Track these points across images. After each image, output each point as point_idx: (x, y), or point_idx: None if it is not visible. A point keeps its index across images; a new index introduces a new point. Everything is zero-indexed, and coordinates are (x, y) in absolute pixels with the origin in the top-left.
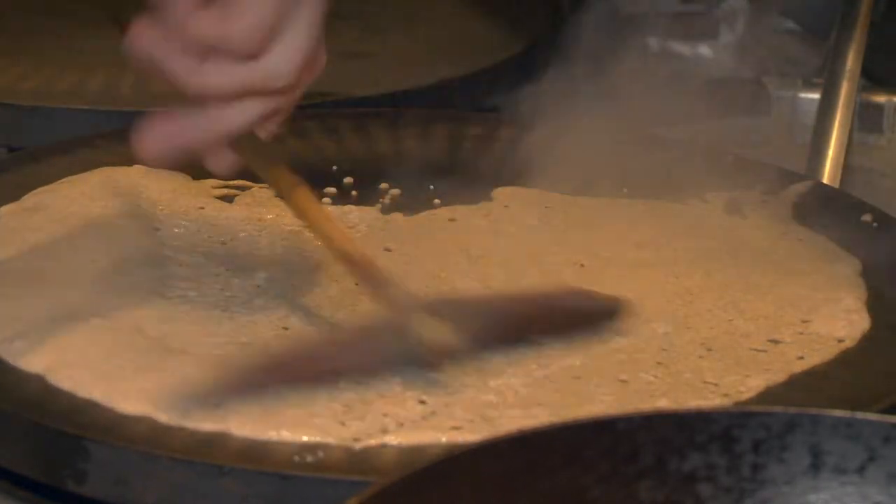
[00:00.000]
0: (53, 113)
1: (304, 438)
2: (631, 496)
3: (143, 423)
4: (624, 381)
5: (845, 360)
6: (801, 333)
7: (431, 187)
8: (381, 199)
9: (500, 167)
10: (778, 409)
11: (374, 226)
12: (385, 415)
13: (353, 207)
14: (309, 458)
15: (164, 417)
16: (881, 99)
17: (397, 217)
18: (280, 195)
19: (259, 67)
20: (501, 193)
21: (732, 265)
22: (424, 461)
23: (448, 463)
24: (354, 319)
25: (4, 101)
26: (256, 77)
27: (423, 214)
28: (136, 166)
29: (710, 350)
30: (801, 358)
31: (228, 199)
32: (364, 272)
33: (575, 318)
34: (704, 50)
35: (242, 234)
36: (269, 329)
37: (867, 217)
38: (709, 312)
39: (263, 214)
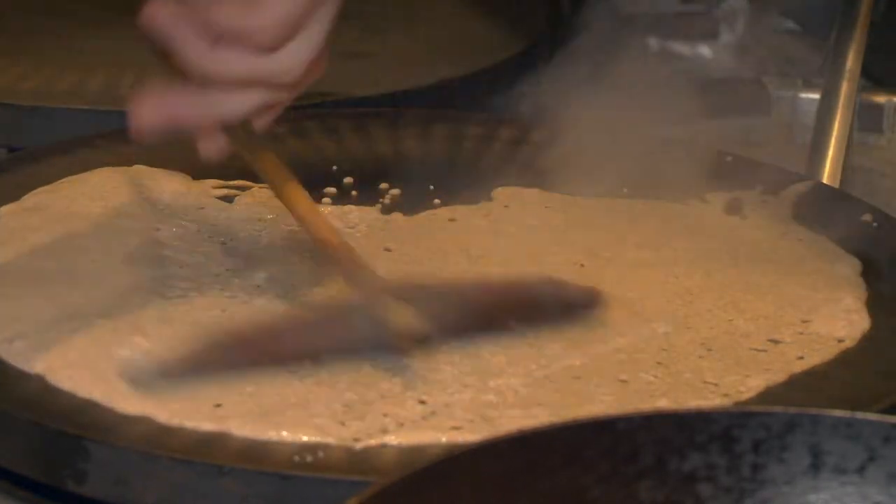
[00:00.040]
0: (53, 113)
1: (304, 438)
2: (631, 496)
3: (143, 423)
4: (624, 381)
5: (845, 360)
6: (801, 333)
7: (431, 187)
8: (381, 199)
9: (500, 167)
10: (778, 409)
11: (374, 226)
12: (385, 415)
13: (353, 207)
14: (309, 458)
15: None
16: (881, 99)
17: (397, 217)
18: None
19: (271, 61)
20: (501, 193)
21: (732, 265)
22: (424, 461)
23: (448, 463)
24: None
25: (4, 101)
26: (267, 70)
27: (423, 214)
28: (137, 166)
29: (710, 350)
30: (801, 358)
31: (228, 199)
32: (341, 258)
33: (548, 305)
34: (704, 50)
35: (242, 234)
36: None
37: (867, 217)
38: (709, 312)
39: (263, 214)
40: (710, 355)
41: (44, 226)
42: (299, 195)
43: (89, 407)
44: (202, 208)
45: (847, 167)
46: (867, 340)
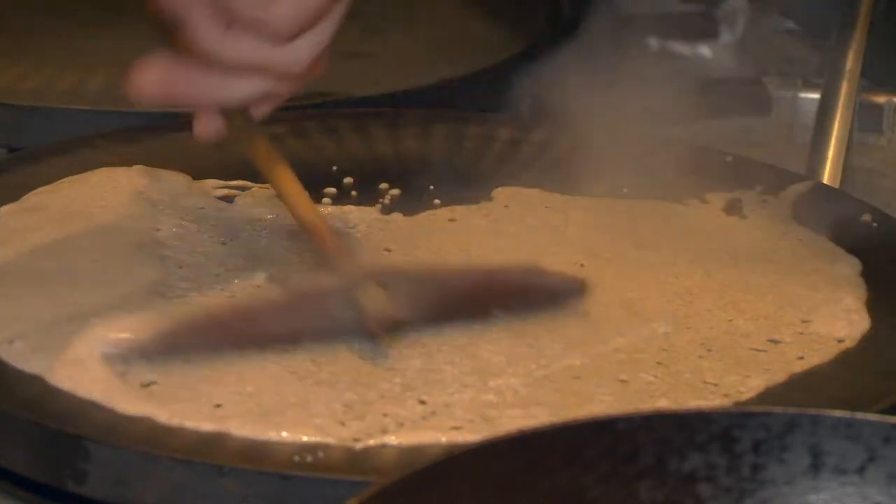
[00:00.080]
0: (53, 113)
1: (304, 438)
2: (631, 496)
3: (143, 423)
4: (624, 381)
5: (845, 360)
6: (801, 333)
7: (431, 187)
8: (381, 199)
9: (500, 167)
10: (778, 409)
11: (373, 226)
12: (385, 415)
13: (353, 207)
14: (309, 458)
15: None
16: (881, 99)
17: (397, 217)
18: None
19: (282, 51)
20: (501, 193)
21: (732, 265)
22: (424, 461)
23: (448, 463)
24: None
25: (4, 101)
26: (276, 59)
27: (423, 214)
28: (137, 166)
29: (710, 350)
30: (801, 358)
31: (228, 199)
32: (326, 243)
33: (531, 293)
34: (704, 50)
35: (242, 234)
36: None
37: (867, 217)
38: (709, 312)
39: (263, 214)
40: (710, 355)
41: (44, 226)
42: (288, 180)
43: (89, 407)
44: (202, 208)
45: (847, 167)
46: (867, 340)
